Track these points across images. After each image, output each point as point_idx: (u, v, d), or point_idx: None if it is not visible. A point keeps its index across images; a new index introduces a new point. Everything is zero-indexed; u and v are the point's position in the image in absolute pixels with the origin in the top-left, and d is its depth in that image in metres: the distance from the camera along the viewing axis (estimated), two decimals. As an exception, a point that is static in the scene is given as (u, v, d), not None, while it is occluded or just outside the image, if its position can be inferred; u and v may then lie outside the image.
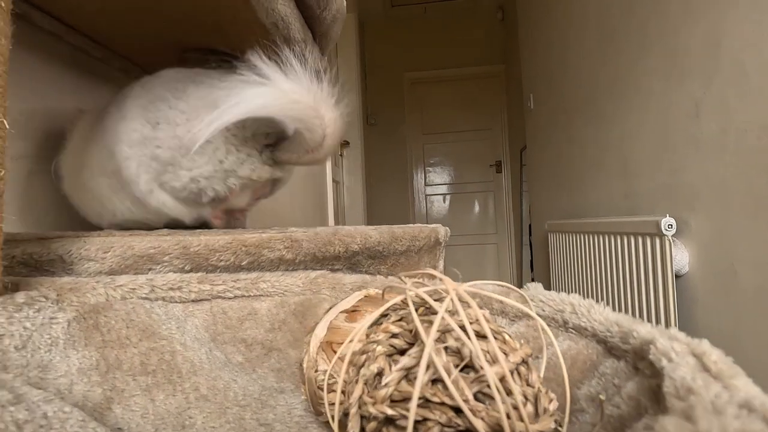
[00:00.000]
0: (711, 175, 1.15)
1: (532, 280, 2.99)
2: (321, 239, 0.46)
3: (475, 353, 0.18)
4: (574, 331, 0.31)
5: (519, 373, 0.19)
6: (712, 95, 1.13)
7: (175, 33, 0.57)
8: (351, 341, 0.23)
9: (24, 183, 0.53)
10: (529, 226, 3.08)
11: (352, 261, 0.49)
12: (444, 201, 4.16)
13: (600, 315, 0.29)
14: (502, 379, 0.18)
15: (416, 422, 0.18)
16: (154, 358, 0.31)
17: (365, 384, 0.21)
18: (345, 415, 0.21)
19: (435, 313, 0.23)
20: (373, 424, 0.19)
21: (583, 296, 0.30)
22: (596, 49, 1.76)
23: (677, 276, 1.32)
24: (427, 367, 0.19)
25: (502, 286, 0.30)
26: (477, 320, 0.20)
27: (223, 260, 0.41)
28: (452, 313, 0.23)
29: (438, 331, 0.20)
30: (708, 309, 1.22)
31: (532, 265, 2.99)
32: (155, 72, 0.49)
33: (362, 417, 0.20)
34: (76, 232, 0.40)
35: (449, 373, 0.18)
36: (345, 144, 3.13)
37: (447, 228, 0.71)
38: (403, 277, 0.30)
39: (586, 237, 1.77)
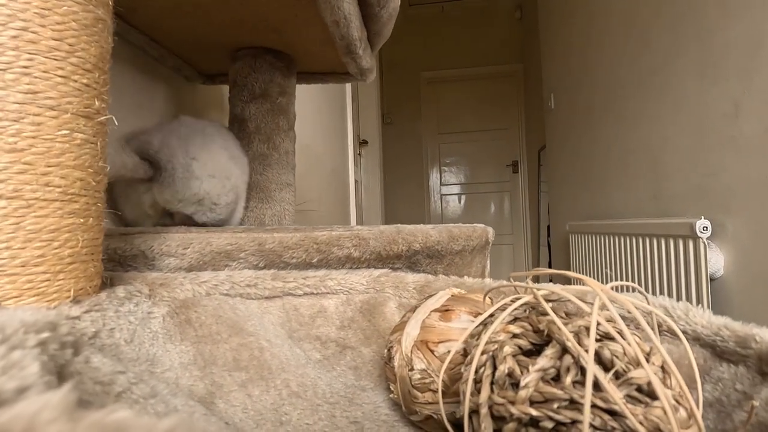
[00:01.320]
0: (751, 175, 1.13)
1: (550, 280, 2.95)
2: (386, 237, 0.46)
3: (633, 355, 0.18)
4: (669, 335, 0.30)
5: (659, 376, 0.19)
6: (754, 95, 1.11)
7: (232, 32, 0.57)
8: (475, 342, 0.23)
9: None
10: (548, 227, 3.05)
11: (411, 260, 0.49)
12: (459, 201, 4.14)
13: (701, 318, 0.28)
14: (648, 383, 0.18)
15: (564, 424, 0.18)
16: (244, 354, 0.31)
17: (492, 384, 0.21)
18: (470, 414, 0.21)
19: (558, 314, 0.23)
20: (512, 425, 0.19)
21: None
22: (622, 49, 1.74)
23: (711, 279, 1.30)
24: (568, 369, 0.19)
25: (628, 286, 0.30)
26: (615, 321, 0.20)
27: (295, 257, 0.41)
28: (569, 315, 0.23)
29: (572, 332, 0.20)
30: (744, 312, 1.20)
31: (551, 266, 2.97)
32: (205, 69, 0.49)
33: (494, 417, 0.20)
34: (155, 228, 0.40)
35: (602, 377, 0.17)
36: (363, 143, 3.14)
37: (492, 229, 0.71)
38: (512, 278, 0.29)
39: (612, 239, 1.75)
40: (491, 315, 0.25)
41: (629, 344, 0.19)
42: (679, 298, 1.35)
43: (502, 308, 0.25)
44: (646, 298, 0.27)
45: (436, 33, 4.06)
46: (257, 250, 0.39)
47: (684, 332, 0.29)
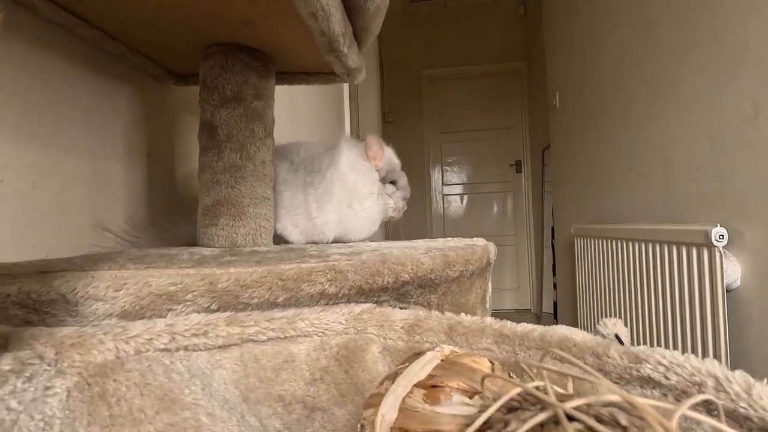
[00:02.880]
0: (773, 182, 1.05)
1: (554, 286, 2.87)
2: (368, 269, 0.39)
3: None
4: (725, 418, 0.23)
5: None
6: (776, 95, 1.03)
7: (198, 26, 0.50)
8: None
9: (28, 196, 0.47)
10: (552, 228, 2.98)
11: (400, 292, 0.42)
12: (461, 201, 4.07)
13: (771, 401, 0.21)
14: None
15: None
16: (175, 437, 0.24)
17: None
18: None
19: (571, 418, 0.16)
20: None
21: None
22: (631, 46, 1.66)
23: (727, 290, 1.22)
24: None
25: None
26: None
27: (256, 297, 0.34)
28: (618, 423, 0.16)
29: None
30: (763, 326, 1.12)
31: (555, 269, 2.89)
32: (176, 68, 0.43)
33: None
34: (83, 260, 0.34)
35: None
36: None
37: (494, 245, 0.64)
38: (524, 365, 0.22)
39: (620, 244, 1.67)
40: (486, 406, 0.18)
41: None
42: (691, 310, 1.27)
43: (504, 417, 0.17)
44: (717, 409, 0.19)
45: (438, 30, 3.98)
46: (208, 291, 0.32)
47: (748, 418, 0.22)
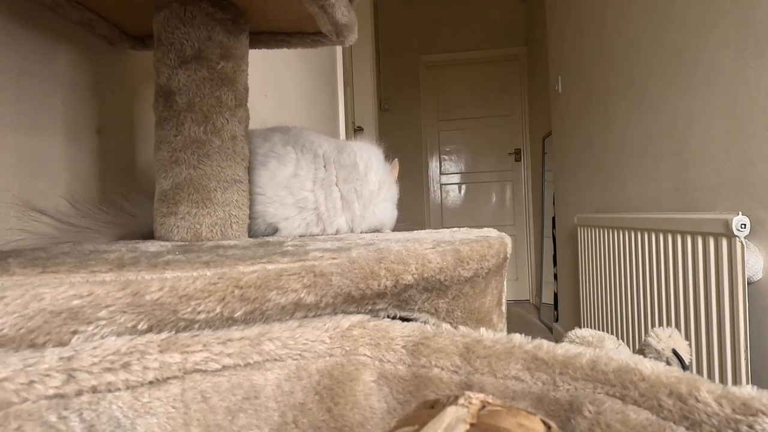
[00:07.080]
0: (804, 166, 0.96)
1: (555, 277, 2.80)
2: (359, 271, 0.29)
3: None
4: None
5: None
6: (811, 70, 0.94)
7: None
8: None
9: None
10: (553, 218, 2.90)
11: (401, 297, 0.33)
12: (459, 190, 4.00)
13: None
14: None
15: None
16: None
17: None
18: None
19: None
20: None
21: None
22: (643, 27, 1.56)
23: (748, 283, 1.15)
24: None
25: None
26: None
27: (204, 311, 0.25)
28: None
29: None
30: (789, 324, 1.04)
31: (555, 259, 2.82)
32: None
33: None
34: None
35: None
36: (359, 130, 2.96)
37: (509, 237, 0.55)
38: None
39: (629, 234, 1.59)
40: None
41: None
42: (707, 303, 1.19)
43: None
44: None
45: (436, 14, 3.87)
46: (131, 304, 0.23)
47: None
